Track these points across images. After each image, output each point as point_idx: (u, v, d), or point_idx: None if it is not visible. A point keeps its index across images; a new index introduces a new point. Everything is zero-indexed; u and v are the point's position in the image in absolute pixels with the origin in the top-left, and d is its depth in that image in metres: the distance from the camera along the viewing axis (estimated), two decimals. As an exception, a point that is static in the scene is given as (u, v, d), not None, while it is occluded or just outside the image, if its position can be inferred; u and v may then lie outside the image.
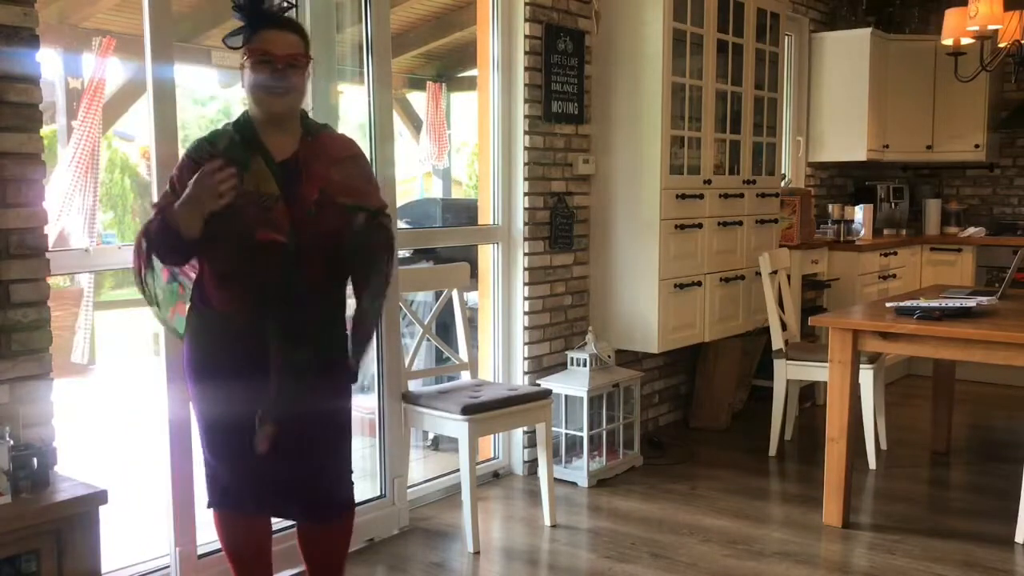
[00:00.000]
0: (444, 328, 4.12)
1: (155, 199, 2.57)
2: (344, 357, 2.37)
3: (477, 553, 3.36)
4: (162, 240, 2.26)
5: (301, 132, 2.36)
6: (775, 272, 4.63)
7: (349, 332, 2.39)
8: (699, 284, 4.50)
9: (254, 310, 2.28)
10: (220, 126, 2.39)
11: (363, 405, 3.65)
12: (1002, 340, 3.22)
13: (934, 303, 3.53)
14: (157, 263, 2.36)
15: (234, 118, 2.37)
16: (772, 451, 4.54)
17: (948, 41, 4.86)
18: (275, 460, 2.29)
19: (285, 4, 2.37)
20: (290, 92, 2.28)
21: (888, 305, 3.70)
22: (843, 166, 6.65)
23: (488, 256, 4.16)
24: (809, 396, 5.44)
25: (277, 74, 2.25)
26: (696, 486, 4.09)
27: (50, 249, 2.46)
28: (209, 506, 2.52)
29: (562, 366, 4.25)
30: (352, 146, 2.48)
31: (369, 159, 2.66)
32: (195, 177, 2.16)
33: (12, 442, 2.20)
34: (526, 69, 4.06)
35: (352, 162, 2.43)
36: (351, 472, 2.53)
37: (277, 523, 3.29)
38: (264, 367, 2.27)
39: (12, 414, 2.32)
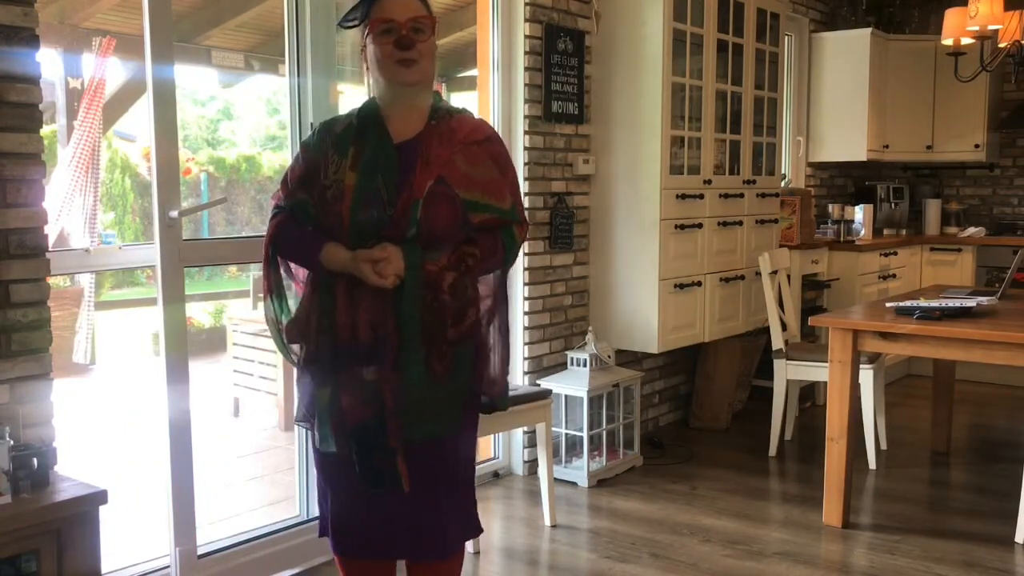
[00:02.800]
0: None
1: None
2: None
3: (477, 553, 3.36)
4: (286, 244, 2.16)
5: (429, 113, 2.14)
6: (775, 272, 4.63)
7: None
8: (699, 284, 4.50)
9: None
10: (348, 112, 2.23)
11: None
12: (1002, 340, 3.22)
13: (934, 303, 3.53)
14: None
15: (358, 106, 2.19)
16: (772, 451, 4.54)
17: (948, 41, 4.86)
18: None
19: None
20: (419, 60, 2.07)
21: (888, 305, 3.70)
22: (843, 166, 6.66)
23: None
24: (809, 396, 5.44)
25: (403, 40, 2.04)
26: (696, 486, 4.09)
27: (50, 249, 2.46)
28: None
29: (562, 366, 4.25)
30: (486, 127, 2.19)
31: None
32: (361, 259, 2.01)
33: (12, 442, 2.20)
34: (526, 69, 4.06)
35: (483, 147, 2.14)
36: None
37: (275, 523, 3.30)
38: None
39: (12, 414, 2.32)
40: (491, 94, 4.10)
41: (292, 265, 2.21)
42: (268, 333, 2.24)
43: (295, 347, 2.19)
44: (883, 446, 4.55)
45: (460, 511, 2.21)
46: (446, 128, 2.11)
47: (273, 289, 2.19)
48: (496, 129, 4.06)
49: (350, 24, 2.13)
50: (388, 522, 2.14)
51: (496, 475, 4.20)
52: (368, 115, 2.13)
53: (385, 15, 2.05)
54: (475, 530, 2.28)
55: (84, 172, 5.74)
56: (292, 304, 2.20)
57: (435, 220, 2.04)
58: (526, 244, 4.11)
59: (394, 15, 2.05)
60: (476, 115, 2.22)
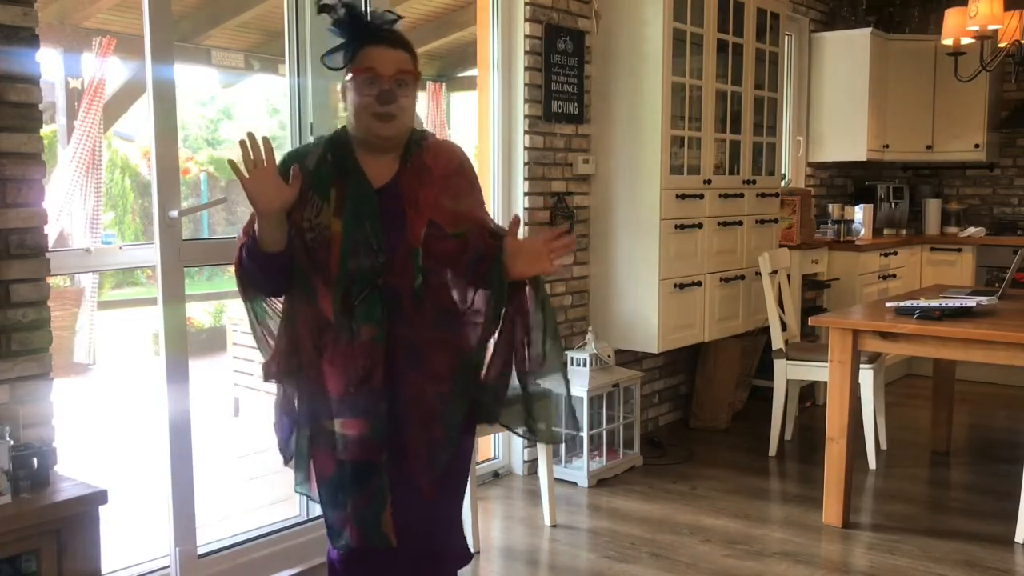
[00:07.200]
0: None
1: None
2: None
3: (477, 553, 3.36)
4: (251, 260, 2.03)
5: (402, 149, 2.07)
6: (775, 272, 4.63)
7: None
8: (699, 284, 4.50)
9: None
10: (313, 140, 2.15)
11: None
12: (1002, 340, 3.22)
13: (934, 303, 3.53)
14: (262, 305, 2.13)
15: (330, 133, 2.12)
16: (772, 451, 4.54)
17: (948, 41, 4.86)
18: None
19: (390, 16, 2.06)
20: (399, 116, 2.01)
21: (888, 305, 3.70)
22: (843, 166, 6.65)
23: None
24: (809, 396, 5.43)
25: (385, 95, 1.98)
26: (696, 486, 4.09)
27: (50, 249, 2.46)
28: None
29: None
30: (457, 153, 2.14)
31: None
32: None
33: (12, 442, 2.20)
34: (526, 69, 4.06)
35: (460, 177, 2.11)
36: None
37: (275, 523, 3.30)
38: None
39: (12, 414, 2.32)
40: (491, 94, 4.10)
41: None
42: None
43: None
44: (883, 446, 4.55)
45: (458, 533, 2.22)
46: (420, 165, 2.06)
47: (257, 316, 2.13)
48: (496, 129, 4.09)
49: (332, 66, 2.05)
50: (395, 562, 2.08)
51: (496, 475, 4.20)
52: (343, 152, 2.05)
53: (370, 65, 1.98)
54: (465, 557, 2.26)
55: (84, 172, 5.74)
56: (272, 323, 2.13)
57: (438, 262, 2.02)
58: (526, 244, 4.11)
59: (379, 67, 1.98)
60: (438, 137, 2.18)
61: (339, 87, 2.09)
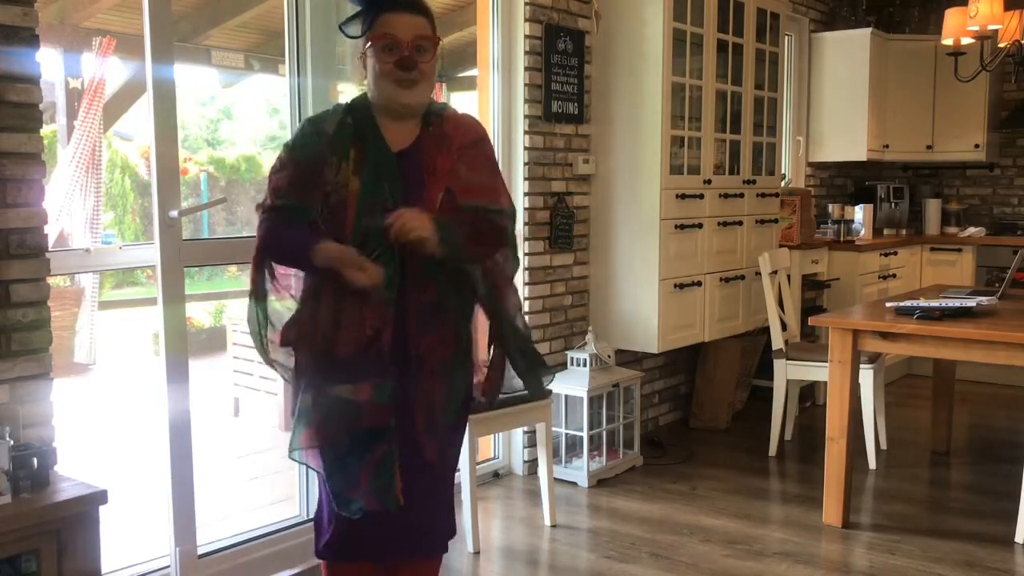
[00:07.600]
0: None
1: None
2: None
3: (477, 553, 3.36)
4: (278, 247, 2.07)
5: (421, 117, 2.10)
6: (775, 272, 4.63)
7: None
8: (699, 284, 4.50)
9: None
10: (331, 107, 2.16)
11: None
12: (1002, 340, 3.22)
13: (934, 303, 3.53)
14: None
15: (349, 99, 2.13)
16: (772, 451, 4.54)
17: (948, 41, 4.86)
18: None
19: None
20: (420, 81, 2.03)
21: (888, 305, 3.70)
22: (843, 166, 6.66)
23: (488, 256, 4.15)
24: (809, 396, 5.44)
25: (404, 61, 2.00)
26: (696, 486, 4.09)
27: (50, 249, 2.46)
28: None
29: (562, 366, 4.25)
30: (478, 127, 2.18)
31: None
32: (349, 256, 1.96)
33: (12, 442, 2.20)
34: (526, 69, 4.06)
35: (478, 150, 2.14)
36: None
37: (275, 523, 3.30)
38: None
39: (12, 414, 2.31)
40: (491, 94, 4.10)
41: (279, 274, 2.13)
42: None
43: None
44: (883, 446, 4.55)
45: (449, 507, 2.23)
46: (440, 133, 2.09)
47: (259, 294, 2.12)
48: (496, 129, 4.09)
49: (351, 34, 2.07)
50: (392, 524, 2.11)
51: (496, 475, 4.20)
52: (363, 117, 2.08)
53: (389, 31, 2.00)
54: (454, 531, 2.28)
55: (84, 172, 5.74)
56: (278, 306, 2.13)
57: None
58: (526, 244, 4.12)
59: (398, 33, 2.00)
60: (459, 111, 2.20)
61: (359, 56, 2.10)
